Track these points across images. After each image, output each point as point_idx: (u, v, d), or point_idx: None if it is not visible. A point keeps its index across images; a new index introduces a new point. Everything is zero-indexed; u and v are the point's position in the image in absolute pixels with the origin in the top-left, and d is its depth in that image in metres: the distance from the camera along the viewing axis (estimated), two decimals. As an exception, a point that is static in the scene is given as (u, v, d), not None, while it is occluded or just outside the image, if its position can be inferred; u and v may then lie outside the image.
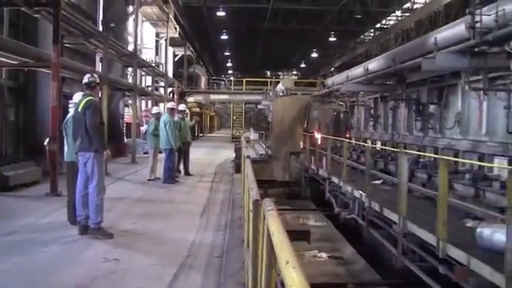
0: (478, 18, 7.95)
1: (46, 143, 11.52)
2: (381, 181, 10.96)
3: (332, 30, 41.33)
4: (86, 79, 8.21)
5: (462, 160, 9.41)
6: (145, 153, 23.02)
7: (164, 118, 14.86)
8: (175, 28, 33.24)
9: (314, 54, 55.21)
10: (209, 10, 36.31)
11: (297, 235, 9.53)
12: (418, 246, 7.17)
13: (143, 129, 25.54)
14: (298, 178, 17.56)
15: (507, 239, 4.93)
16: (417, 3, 32.64)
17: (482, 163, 9.17)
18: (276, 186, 17.80)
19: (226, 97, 42.97)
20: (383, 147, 14.79)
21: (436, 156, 10.52)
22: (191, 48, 41.77)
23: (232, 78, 56.48)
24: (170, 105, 16.09)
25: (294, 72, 72.49)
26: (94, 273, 6.10)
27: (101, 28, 20.53)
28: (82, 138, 7.86)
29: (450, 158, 9.19)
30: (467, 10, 8.42)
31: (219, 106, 57.77)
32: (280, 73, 71.87)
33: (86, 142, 7.85)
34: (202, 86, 46.75)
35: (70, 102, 8.69)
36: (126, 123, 25.37)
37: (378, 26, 40.86)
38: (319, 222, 13.45)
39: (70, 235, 7.87)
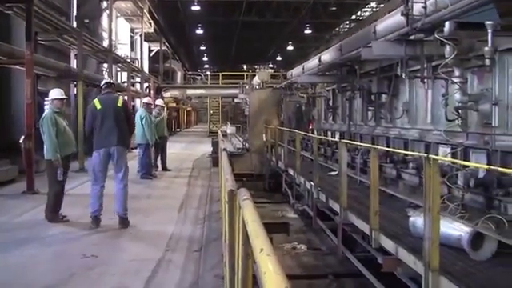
0: (410, 6, 7.84)
1: (21, 141, 11.41)
2: (335, 172, 11.02)
3: (307, 23, 41.32)
4: (107, 79, 9.10)
5: (387, 149, 9.50)
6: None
7: (140, 112, 14.79)
8: (150, 23, 32.93)
9: (290, 47, 55.12)
10: (184, 4, 36.15)
11: (276, 227, 9.60)
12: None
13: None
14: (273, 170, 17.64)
15: (424, 228, 4.99)
16: (391, -6, 32.82)
17: (403, 151, 9.34)
18: (254, 179, 17.86)
19: (202, 91, 42.76)
20: (323, 137, 14.88)
21: (362, 144, 10.69)
22: (167, 43, 41.45)
23: (208, 73, 56.28)
24: (146, 100, 16.00)
25: (270, 65, 72.41)
26: (71, 270, 6.08)
27: (75, 24, 20.31)
28: (121, 132, 8.38)
29: (380, 147, 9.26)
30: None
31: (196, 100, 57.44)
32: (256, 66, 71.76)
33: (125, 136, 8.53)
34: (179, 80, 46.35)
35: (46, 99, 8.67)
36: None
37: (353, 17, 41.03)
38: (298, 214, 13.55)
39: (47, 233, 7.85)
